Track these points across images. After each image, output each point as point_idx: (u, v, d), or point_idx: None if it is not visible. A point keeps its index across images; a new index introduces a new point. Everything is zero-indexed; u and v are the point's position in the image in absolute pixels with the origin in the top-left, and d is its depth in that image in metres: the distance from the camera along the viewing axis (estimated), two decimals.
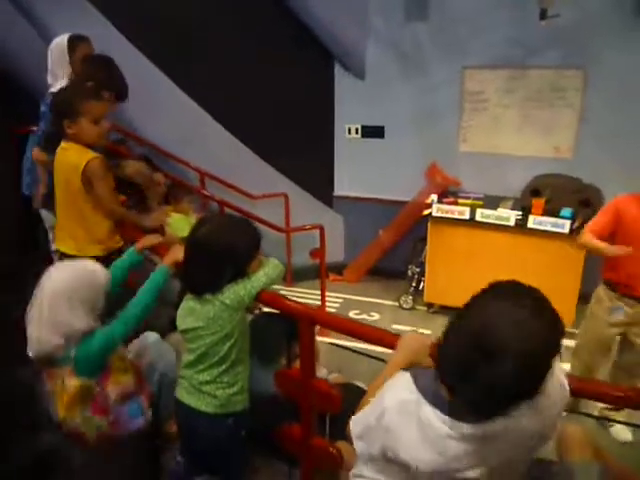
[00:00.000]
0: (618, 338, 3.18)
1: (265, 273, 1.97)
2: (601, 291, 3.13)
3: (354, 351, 1.71)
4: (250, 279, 1.93)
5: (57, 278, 2.04)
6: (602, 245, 2.89)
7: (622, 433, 3.17)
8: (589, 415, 1.51)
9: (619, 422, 3.11)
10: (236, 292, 1.89)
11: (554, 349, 1.14)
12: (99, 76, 2.96)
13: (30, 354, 2.03)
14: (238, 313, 1.94)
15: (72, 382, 2.02)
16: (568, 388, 1.28)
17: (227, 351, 1.94)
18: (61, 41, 3.23)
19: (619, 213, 2.92)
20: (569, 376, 1.33)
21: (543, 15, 3.85)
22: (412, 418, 1.24)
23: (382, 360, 1.66)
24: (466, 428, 1.16)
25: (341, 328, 1.71)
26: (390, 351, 1.53)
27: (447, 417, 1.18)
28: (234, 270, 1.90)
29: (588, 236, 2.99)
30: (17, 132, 4.11)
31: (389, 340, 1.58)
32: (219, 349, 1.94)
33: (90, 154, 2.61)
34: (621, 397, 1.45)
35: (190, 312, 1.96)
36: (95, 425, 2.09)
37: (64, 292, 1.99)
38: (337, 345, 1.74)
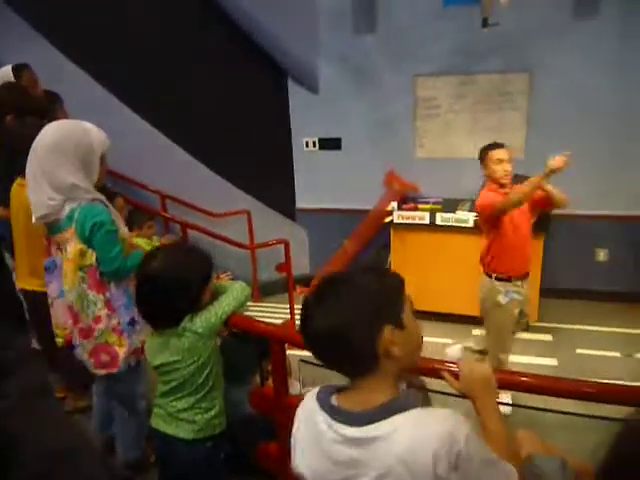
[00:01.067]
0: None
1: (234, 297, 1.97)
2: (491, 285, 3.44)
3: (324, 366, 1.73)
4: (220, 305, 1.93)
5: (47, 133, 2.12)
6: (530, 183, 3.14)
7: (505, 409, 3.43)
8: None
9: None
10: (207, 320, 1.89)
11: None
12: (17, 102, 2.92)
13: (34, 219, 2.13)
14: (212, 340, 1.95)
15: (73, 246, 2.08)
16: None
17: (204, 379, 1.94)
18: (6, 70, 3.24)
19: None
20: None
21: (484, 23, 3.99)
22: (309, 426, 1.24)
23: None
24: (350, 431, 1.15)
25: None
26: None
27: (333, 421, 1.18)
28: (187, 302, 1.88)
29: (502, 197, 3.25)
30: None
31: None
32: (197, 378, 1.93)
33: None
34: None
35: (161, 348, 1.92)
36: (87, 302, 2.12)
37: (51, 146, 2.09)
38: (308, 362, 1.76)
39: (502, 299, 3.41)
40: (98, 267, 2.13)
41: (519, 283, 3.43)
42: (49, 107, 3.05)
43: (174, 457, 2.02)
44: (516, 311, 3.49)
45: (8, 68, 3.27)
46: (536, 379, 1.54)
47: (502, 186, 3.38)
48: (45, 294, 2.33)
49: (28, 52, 4.29)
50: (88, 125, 2.21)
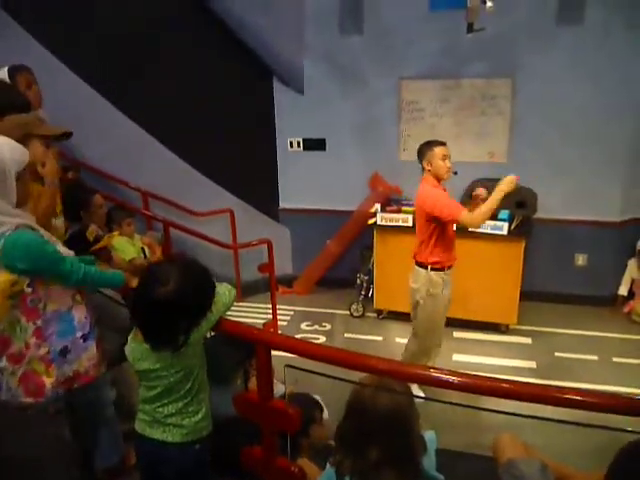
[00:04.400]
0: None
1: (223, 303, 1.94)
2: (433, 276, 3.57)
3: (309, 371, 1.73)
4: (211, 312, 1.90)
5: None
6: (492, 200, 3.27)
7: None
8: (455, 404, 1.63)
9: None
10: (199, 329, 1.87)
11: None
12: None
13: None
14: (200, 345, 1.93)
15: (2, 277, 1.93)
16: None
17: (192, 384, 1.92)
18: (2, 72, 3.17)
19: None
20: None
21: (470, 29, 4.02)
22: None
23: (337, 378, 1.70)
24: None
25: (296, 350, 1.74)
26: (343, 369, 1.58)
27: None
28: (192, 324, 1.85)
29: (469, 214, 3.36)
30: None
31: (344, 359, 1.62)
32: (184, 384, 1.91)
33: None
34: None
35: (147, 354, 1.89)
36: (20, 328, 2.01)
37: None
38: (293, 367, 1.75)
39: (441, 290, 3.57)
40: (29, 295, 2.01)
41: (448, 272, 3.62)
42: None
43: (162, 462, 1.99)
44: (448, 298, 3.66)
45: (4, 70, 3.22)
46: (515, 385, 1.55)
47: (442, 180, 3.53)
48: None
49: (12, 50, 4.25)
50: (1, 140, 1.99)
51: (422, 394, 3.43)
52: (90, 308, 2.26)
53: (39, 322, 2.04)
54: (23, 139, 2.18)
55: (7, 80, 3.07)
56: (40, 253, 1.99)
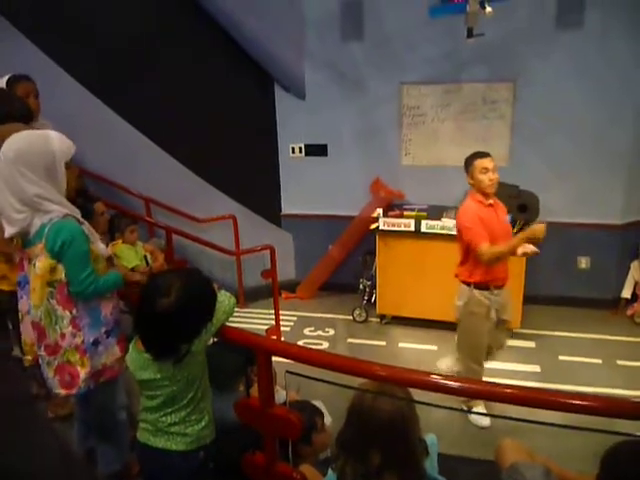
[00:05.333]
0: None
1: (224, 311, 1.95)
2: (476, 295, 3.42)
3: (310, 377, 1.74)
4: (212, 322, 1.91)
5: (8, 146, 2.07)
6: (509, 245, 3.23)
7: (480, 420, 3.51)
8: (452, 408, 1.62)
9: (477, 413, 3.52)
10: (200, 337, 1.88)
11: None
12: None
13: (7, 234, 2.08)
14: (202, 355, 1.94)
15: (43, 262, 2.04)
16: None
17: (194, 392, 1.93)
18: (1, 81, 3.20)
19: (481, 219, 3.33)
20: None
21: (469, 34, 4.02)
22: None
23: (338, 384, 1.70)
24: None
25: (297, 357, 1.74)
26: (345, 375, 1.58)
27: None
28: (193, 334, 1.86)
29: (487, 247, 3.27)
30: None
31: (345, 365, 1.62)
32: (187, 393, 1.91)
33: None
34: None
35: (149, 363, 1.89)
36: (55, 318, 2.08)
37: (12, 158, 2.03)
38: (293, 373, 1.76)
39: (485, 310, 3.41)
40: (67, 283, 2.08)
41: (496, 292, 3.44)
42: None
43: (166, 469, 1.99)
44: (491, 319, 3.48)
45: (4, 79, 3.25)
46: (520, 391, 1.55)
47: (486, 195, 3.40)
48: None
49: (17, 60, 4.29)
50: (52, 134, 2.16)
51: (484, 411, 3.43)
52: (116, 305, 2.33)
53: (74, 311, 2.11)
54: None
55: (4, 87, 3.10)
56: (76, 246, 2.07)
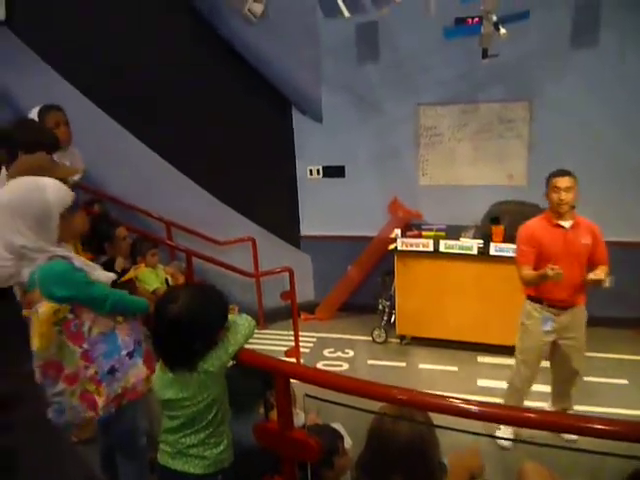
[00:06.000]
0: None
1: (243, 334, 1.97)
2: (528, 306, 3.50)
3: (328, 401, 1.73)
4: (231, 342, 1.92)
5: (3, 193, 2.09)
6: (541, 273, 3.21)
7: (505, 442, 3.46)
8: (477, 434, 1.60)
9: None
10: (219, 357, 1.88)
11: None
12: (26, 139, 2.95)
13: None
14: (222, 375, 1.96)
15: (44, 306, 2.05)
16: None
17: (214, 415, 1.94)
18: (34, 111, 3.34)
19: (536, 239, 3.38)
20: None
21: (484, 55, 4.05)
22: None
23: (358, 408, 1.70)
24: None
25: (316, 381, 1.74)
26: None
27: None
28: (204, 344, 1.88)
29: (526, 271, 3.33)
30: None
31: (365, 389, 1.62)
32: (206, 415, 1.92)
33: None
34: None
35: (171, 383, 1.92)
36: (70, 352, 2.11)
37: (6, 206, 2.04)
38: (312, 397, 1.76)
39: (537, 324, 3.43)
40: (72, 320, 2.12)
41: (554, 310, 3.41)
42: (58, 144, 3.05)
43: None
44: (547, 340, 3.46)
45: (36, 109, 3.39)
46: (543, 416, 1.53)
47: (558, 215, 3.36)
48: None
49: (46, 91, 4.45)
50: (49, 183, 2.15)
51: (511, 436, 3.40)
52: (134, 326, 2.36)
53: (85, 345, 2.15)
54: None
55: (36, 119, 3.21)
56: (71, 279, 2.11)
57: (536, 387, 3.79)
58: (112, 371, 2.21)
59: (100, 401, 2.18)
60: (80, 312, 2.14)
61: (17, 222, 2.04)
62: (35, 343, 2.11)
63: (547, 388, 3.86)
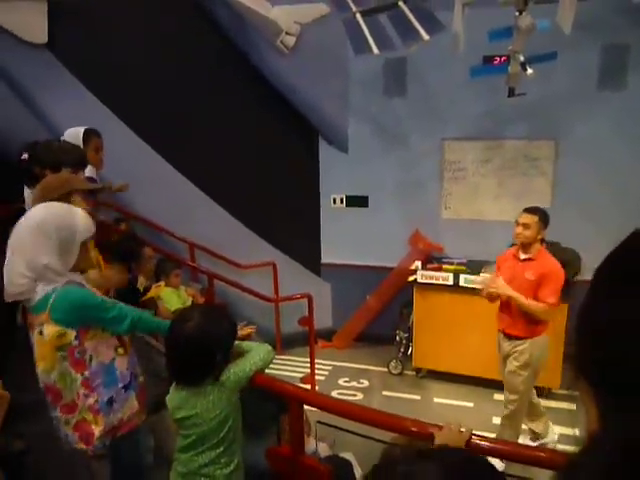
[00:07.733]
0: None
1: (261, 358, 2.05)
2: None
3: (341, 429, 1.76)
4: (249, 362, 2.01)
5: (34, 212, 2.16)
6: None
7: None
8: None
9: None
10: (236, 374, 1.96)
11: None
12: (53, 158, 3.05)
13: (5, 297, 2.11)
14: (235, 394, 2.00)
15: (49, 329, 2.08)
16: None
17: (225, 433, 1.98)
18: (75, 132, 3.49)
19: (498, 265, 3.90)
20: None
21: (511, 93, 4.09)
22: None
23: (369, 437, 1.72)
24: None
25: (329, 408, 1.77)
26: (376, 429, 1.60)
27: None
28: (222, 356, 1.97)
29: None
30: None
31: (378, 419, 1.64)
32: (218, 433, 1.97)
33: None
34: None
35: (185, 401, 1.98)
36: (71, 380, 2.13)
37: (33, 225, 2.10)
38: (325, 424, 1.78)
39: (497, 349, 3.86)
40: (76, 347, 2.14)
41: (502, 337, 3.80)
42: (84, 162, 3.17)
43: None
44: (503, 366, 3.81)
45: (79, 130, 3.52)
46: (555, 455, 1.53)
47: (521, 246, 3.71)
48: None
49: (82, 114, 4.63)
50: (77, 210, 2.24)
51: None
52: (133, 359, 2.39)
53: (86, 373, 2.17)
54: (67, 195, 2.49)
55: (80, 138, 3.37)
56: (88, 304, 2.16)
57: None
58: (110, 402, 2.23)
59: (97, 431, 2.19)
60: (84, 339, 2.16)
61: (47, 242, 2.08)
62: (39, 365, 2.17)
63: None
